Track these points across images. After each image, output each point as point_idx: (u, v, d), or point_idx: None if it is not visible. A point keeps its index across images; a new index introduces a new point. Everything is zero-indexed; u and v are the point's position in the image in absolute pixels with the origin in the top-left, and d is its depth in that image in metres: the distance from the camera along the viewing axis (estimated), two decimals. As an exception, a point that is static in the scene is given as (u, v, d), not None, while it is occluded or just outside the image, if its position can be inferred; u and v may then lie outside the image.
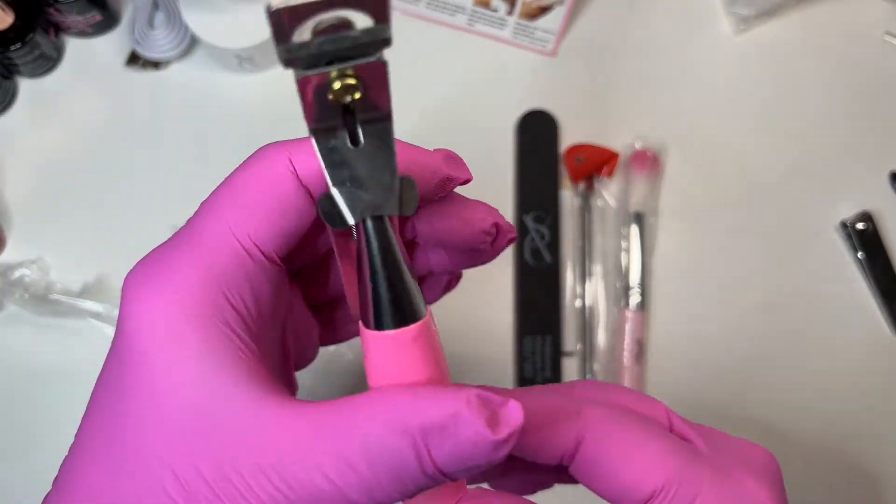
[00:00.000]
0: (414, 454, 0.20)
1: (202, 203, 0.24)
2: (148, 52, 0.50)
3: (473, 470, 0.20)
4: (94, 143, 0.50)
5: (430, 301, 0.29)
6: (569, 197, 0.51)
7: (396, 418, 0.20)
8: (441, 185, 0.26)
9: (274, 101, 0.51)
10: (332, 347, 0.39)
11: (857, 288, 0.51)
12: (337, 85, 0.18)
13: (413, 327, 0.21)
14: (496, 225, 0.28)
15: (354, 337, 0.29)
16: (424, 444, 0.20)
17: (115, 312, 0.42)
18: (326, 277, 0.30)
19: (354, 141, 0.20)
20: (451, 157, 0.27)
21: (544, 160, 0.51)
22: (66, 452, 0.23)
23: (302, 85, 0.18)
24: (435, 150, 0.26)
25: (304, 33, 0.17)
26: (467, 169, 0.28)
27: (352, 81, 0.18)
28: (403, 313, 0.21)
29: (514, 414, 0.20)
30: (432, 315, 0.23)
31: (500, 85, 0.53)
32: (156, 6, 0.50)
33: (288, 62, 0.17)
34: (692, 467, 0.23)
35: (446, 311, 0.48)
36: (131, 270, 0.22)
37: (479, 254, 0.30)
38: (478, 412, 0.19)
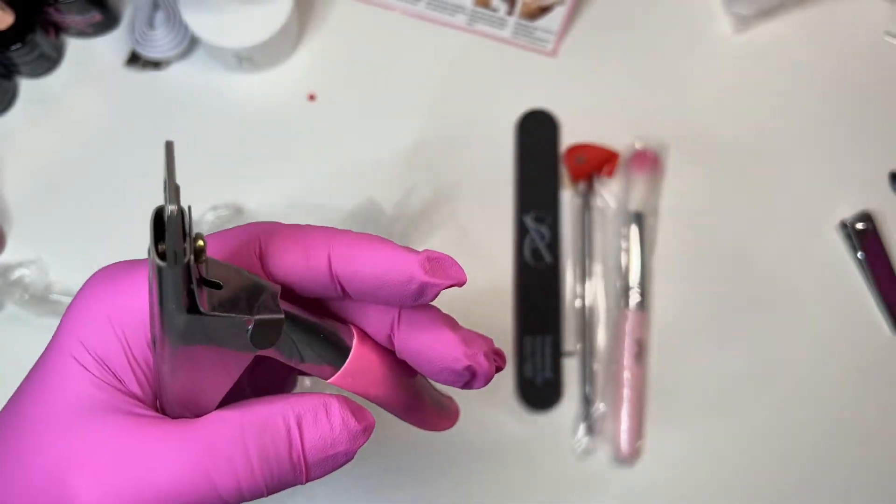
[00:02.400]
0: (286, 432, 0.22)
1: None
2: (148, 52, 0.50)
3: (331, 465, 0.23)
4: (94, 142, 0.50)
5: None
6: (569, 197, 0.51)
7: (275, 403, 0.22)
8: (418, 293, 0.23)
9: (273, 101, 0.51)
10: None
11: (856, 287, 0.51)
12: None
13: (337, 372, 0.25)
14: (470, 368, 0.25)
15: None
16: (297, 426, 0.22)
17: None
18: None
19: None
20: (434, 260, 0.23)
21: (544, 160, 0.51)
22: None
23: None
24: (415, 253, 0.23)
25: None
26: (456, 272, 0.24)
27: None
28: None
29: (370, 415, 0.23)
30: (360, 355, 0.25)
31: (500, 85, 0.53)
32: (155, 6, 0.50)
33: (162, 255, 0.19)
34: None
35: (449, 311, 0.48)
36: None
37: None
38: (345, 403, 0.23)
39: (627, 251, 0.50)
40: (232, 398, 0.23)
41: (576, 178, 0.51)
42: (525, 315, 0.48)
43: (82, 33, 0.51)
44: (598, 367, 0.48)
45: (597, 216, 0.51)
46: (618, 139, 0.52)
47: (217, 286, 0.20)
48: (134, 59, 0.51)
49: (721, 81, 0.54)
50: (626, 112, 0.53)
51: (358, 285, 0.23)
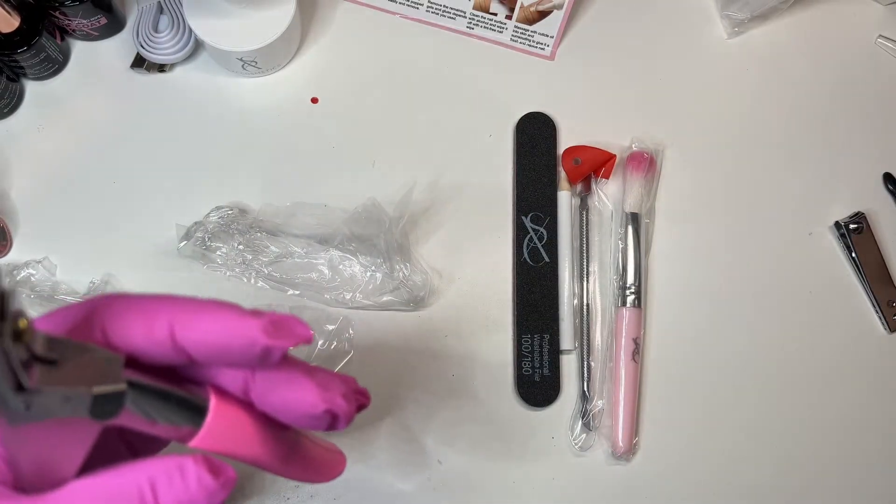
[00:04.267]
0: (138, 499, 0.22)
1: None
2: (153, 56, 0.50)
3: None
4: (99, 144, 0.50)
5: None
6: (566, 198, 0.51)
7: (131, 468, 0.23)
8: (263, 356, 0.24)
9: (277, 104, 0.52)
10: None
11: (850, 287, 0.52)
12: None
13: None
14: (329, 412, 0.25)
15: None
16: (151, 490, 0.22)
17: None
18: None
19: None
20: (276, 323, 0.24)
21: (542, 162, 0.52)
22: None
23: None
24: (257, 317, 0.24)
25: None
26: (300, 331, 0.24)
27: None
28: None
29: (230, 469, 0.23)
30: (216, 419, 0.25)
31: (499, 88, 0.53)
32: (160, 10, 0.50)
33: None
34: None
35: (447, 311, 0.49)
36: None
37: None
38: (202, 462, 0.23)
39: (624, 251, 0.50)
40: (107, 460, 0.23)
41: (573, 180, 0.51)
42: (524, 313, 0.49)
43: (88, 36, 0.51)
44: (595, 364, 0.49)
45: (594, 217, 0.52)
46: (614, 141, 0.52)
47: (52, 362, 0.21)
48: (139, 63, 0.51)
49: (716, 84, 0.55)
50: (622, 114, 0.54)
51: (204, 352, 0.24)
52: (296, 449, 0.28)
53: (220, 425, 0.25)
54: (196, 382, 0.26)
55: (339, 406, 0.25)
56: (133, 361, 0.24)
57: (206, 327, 0.23)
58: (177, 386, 0.24)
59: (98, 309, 0.24)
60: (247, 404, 0.26)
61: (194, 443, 0.25)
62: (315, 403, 0.25)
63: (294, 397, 0.25)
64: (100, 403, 0.22)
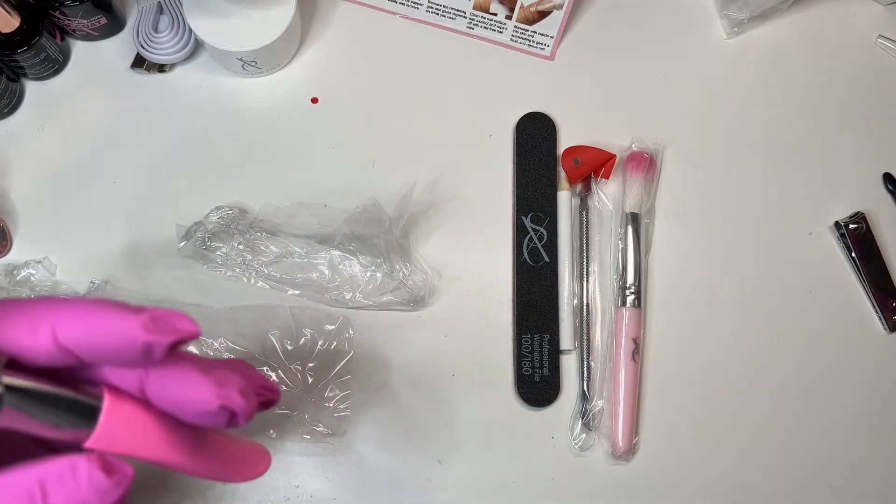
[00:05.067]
0: (27, 499, 0.22)
1: None
2: (153, 56, 0.50)
3: None
4: (99, 144, 0.50)
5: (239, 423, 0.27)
6: (566, 198, 0.51)
7: (22, 469, 0.22)
8: (146, 353, 0.23)
9: (277, 104, 0.52)
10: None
11: (850, 287, 0.52)
12: None
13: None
14: (224, 408, 0.25)
15: None
16: (41, 490, 0.22)
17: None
18: None
19: None
20: (157, 318, 0.24)
21: (542, 162, 0.52)
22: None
23: None
24: (137, 314, 0.24)
25: None
26: (184, 325, 0.24)
27: None
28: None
29: (126, 467, 0.23)
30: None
31: (499, 88, 0.54)
32: (160, 10, 0.50)
33: None
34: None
35: (447, 311, 0.49)
36: None
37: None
38: (95, 460, 0.22)
39: (624, 251, 0.50)
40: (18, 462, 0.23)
41: (573, 180, 0.51)
42: (524, 313, 0.49)
43: (88, 36, 0.51)
44: (595, 364, 0.49)
45: (594, 217, 0.52)
46: (614, 141, 0.52)
47: None
48: (139, 63, 0.51)
49: (715, 84, 0.55)
50: (622, 114, 0.54)
51: (88, 352, 0.24)
52: (206, 446, 0.27)
53: (116, 425, 0.25)
54: (93, 384, 0.25)
55: (235, 402, 0.25)
56: (18, 365, 0.23)
57: (85, 326, 0.23)
58: (69, 388, 0.24)
59: None
60: (146, 403, 0.25)
61: (90, 443, 0.24)
62: (208, 400, 0.25)
63: (187, 394, 0.25)
64: None
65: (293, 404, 0.45)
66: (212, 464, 0.27)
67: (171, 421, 0.26)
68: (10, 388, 0.22)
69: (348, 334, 0.48)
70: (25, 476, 0.22)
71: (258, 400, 0.27)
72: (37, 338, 0.23)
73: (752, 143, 0.54)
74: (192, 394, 0.25)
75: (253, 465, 0.29)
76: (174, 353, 0.25)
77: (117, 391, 0.25)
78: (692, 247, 0.52)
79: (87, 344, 0.23)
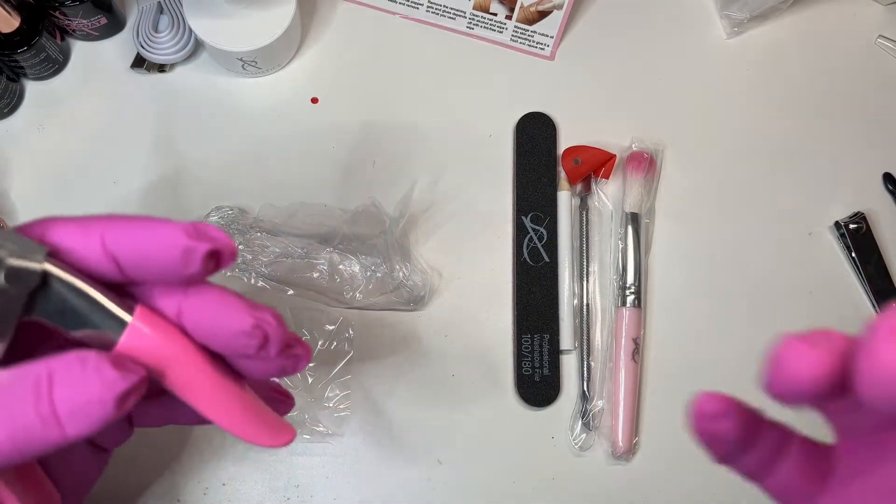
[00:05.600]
0: (32, 385, 0.23)
1: None
2: (153, 56, 0.50)
3: (87, 417, 0.23)
4: (99, 144, 0.50)
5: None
6: (566, 198, 0.51)
7: (35, 361, 0.23)
8: (185, 258, 0.24)
9: (277, 104, 0.52)
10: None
11: (850, 287, 0.52)
12: None
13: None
14: (258, 328, 0.25)
15: None
16: (48, 378, 0.23)
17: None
18: None
19: None
20: (198, 227, 0.25)
21: (542, 162, 0.52)
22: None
23: None
24: (178, 223, 0.25)
25: None
26: (220, 237, 0.25)
27: None
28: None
29: (139, 368, 0.24)
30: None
31: (499, 88, 0.54)
32: (160, 10, 0.50)
33: None
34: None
35: (447, 311, 0.49)
36: None
37: (250, 362, 0.27)
38: (104, 356, 0.23)
39: (624, 251, 0.50)
40: None
41: (573, 180, 0.51)
42: (524, 313, 0.49)
43: (88, 36, 0.51)
44: (595, 364, 0.49)
45: (594, 217, 0.52)
46: (614, 141, 0.52)
47: None
48: (139, 63, 0.51)
49: (715, 84, 0.55)
50: (622, 114, 0.54)
51: (132, 260, 0.24)
52: (230, 392, 0.27)
53: (143, 338, 0.25)
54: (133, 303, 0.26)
55: (269, 323, 0.26)
56: (64, 260, 0.25)
57: (133, 233, 0.25)
58: (106, 295, 0.25)
59: (38, 221, 0.25)
60: (180, 330, 0.26)
61: (117, 348, 0.25)
62: (243, 319, 0.25)
63: (223, 314, 0.25)
64: (14, 275, 0.23)
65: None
66: (234, 411, 0.27)
67: (202, 353, 0.26)
68: (49, 275, 0.23)
69: (348, 334, 0.48)
70: (37, 365, 0.23)
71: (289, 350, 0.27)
72: (87, 239, 0.24)
73: (752, 142, 0.54)
74: (228, 313, 0.25)
75: (278, 431, 0.28)
76: (213, 284, 0.26)
77: (153, 311, 0.26)
78: (692, 247, 0.52)
79: (131, 250, 0.24)
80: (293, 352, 0.27)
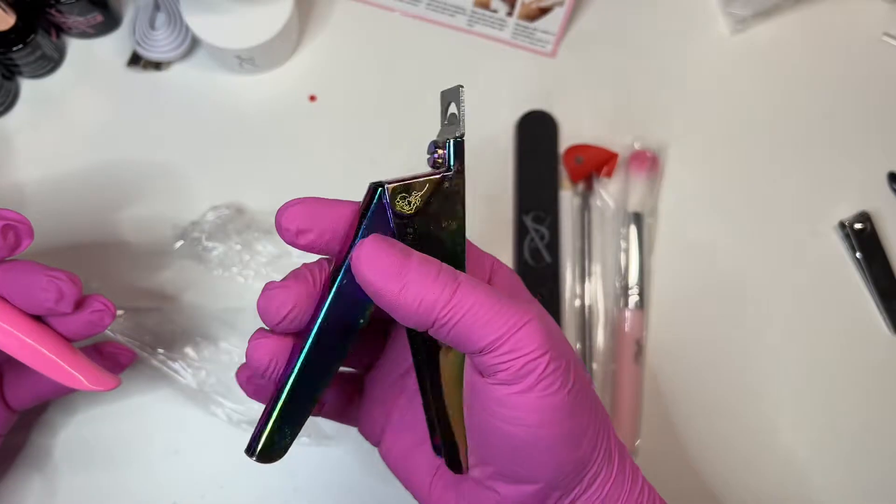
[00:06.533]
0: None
1: None
2: (149, 53, 0.50)
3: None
4: (95, 143, 0.50)
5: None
6: (568, 197, 0.51)
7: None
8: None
9: (274, 102, 0.52)
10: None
11: (855, 287, 0.52)
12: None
13: None
14: (52, 283, 0.31)
15: None
16: None
17: (118, 313, 0.43)
18: None
19: None
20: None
21: (544, 161, 0.51)
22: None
23: None
24: None
25: None
26: (10, 215, 0.31)
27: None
28: None
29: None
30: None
31: (499, 86, 0.53)
32: (157, 7, 0.50)
33: None
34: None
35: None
36: None
37: (62, 321, 0.33)
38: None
39: (626, 251, 0.50)
40: None
41: (575, 179, 0.51)
42: (524, 314, 0.49)
43: (84, 34, 0.51)
44: (597, 366, 0.49)
45: (596, 216, 0.51)
46: (616, 140, 0.52)
47: None
48: (135, 60, 0.51)
49: (719, 82, 0.54)
50: (624, 113, 0.53)
51: None
52: (57, 344, 0.32)
53: None
54: None
55: (60, 279, 0.31)
56: None
57: None
58: None
59: None
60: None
61: None
62: (40, 277, 0.31)
63: (27, 277, 0.31)
64: None
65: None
66: (49, 362, 0.32)
67: (21, 314, 0.32)
68: None
69: (347, 335, 0.47)
70: None
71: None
72: None
73: (755, 141, 0.53)
74: (30, 276, 0.31)
75: (99, 379, 0.33)
76: (22, 260, 0.32)
77: None
78: (695, 247, 0.51)
79: None
80: (95, 308, 0.33)
